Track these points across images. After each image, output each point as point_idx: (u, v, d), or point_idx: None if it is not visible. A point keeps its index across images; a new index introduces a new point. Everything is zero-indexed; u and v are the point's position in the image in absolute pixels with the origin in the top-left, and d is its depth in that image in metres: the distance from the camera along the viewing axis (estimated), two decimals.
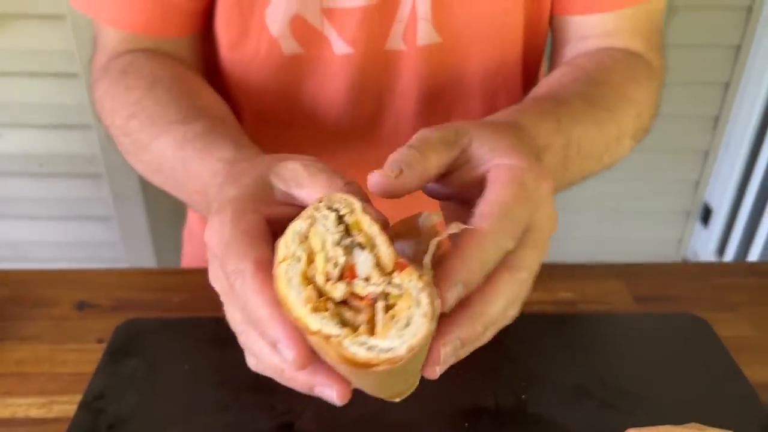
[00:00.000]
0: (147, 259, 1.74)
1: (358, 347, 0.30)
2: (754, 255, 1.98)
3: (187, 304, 0.67)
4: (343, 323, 0.31)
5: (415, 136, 0.38)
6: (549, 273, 0.66)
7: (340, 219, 0.34)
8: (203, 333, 0.63)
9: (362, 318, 0.31)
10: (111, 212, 1.67)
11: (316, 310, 0.31)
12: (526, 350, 0.61)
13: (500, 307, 0.35)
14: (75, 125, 1.56)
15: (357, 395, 0.55)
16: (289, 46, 0.62)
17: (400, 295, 0.32)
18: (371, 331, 0.31)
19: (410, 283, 0.32)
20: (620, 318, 0.65)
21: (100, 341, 0.62)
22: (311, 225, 0.33)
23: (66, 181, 1.64)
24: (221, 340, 0.62)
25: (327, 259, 0.32)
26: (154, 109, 0.55)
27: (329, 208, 0.34)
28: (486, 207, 0.35)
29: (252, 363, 0.38)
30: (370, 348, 0.30)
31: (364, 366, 0.30)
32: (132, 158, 0.58)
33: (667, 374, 0.59)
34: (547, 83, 0.57)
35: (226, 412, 0.54)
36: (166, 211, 1.67)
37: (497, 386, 0.57)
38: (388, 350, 0.30)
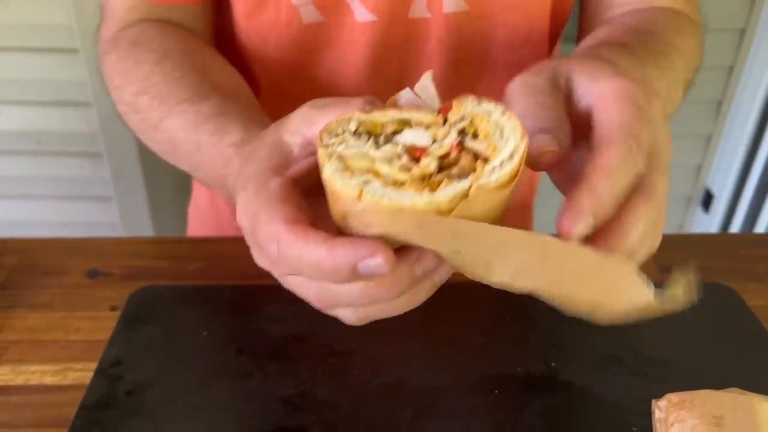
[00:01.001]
0: None
1: (495, 173, 0.30)
2: None
3: (201, 272, 0.65)
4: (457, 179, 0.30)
5: (522, 93, 0.36)
6: None
7: (355, 134, 0.33)
8: (220, 301, 0.61)
9: (469, 162, 0.31)
10: (111, 192, 1.65)
11: (432, 188, 0.30)
12: (554, 319, 0.58)
13: (637, 238, 0.33)
14: (74, 102, 1.53)
15: (380, 363, 0.54)
16: (309, 14, 0.60)
17: (471, 122, 0.32)
18: (484, 160, 0.31)
19: (468, 108, 0.32)
20: None
21: (113, 309, 0.60)
22: (340, 159, 0.31)
23: (65, 160, 1.61)
24: (239, 307, 0.61)
25: (388, 161, 0.31)
26: (164, 86, 0.53)
27: (336, 134, 0.32)
28: (605, 130, 0.33)
29: (347, 315, 0.35)
30: (501, 166, 0.30)
31: (511, 180, 0.30)
32: (143, 137, 0.57)
33: (698, 343, 0.57)
34: (596, 38, 0.53)
35: (249, 379, 0.53)
36: (166, 192, 1.65)
37: (526, 354, 0.56)
38: (511, 155, 0.30)
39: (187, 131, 0.49)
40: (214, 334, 0.57)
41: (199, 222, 0.85)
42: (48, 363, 0.55)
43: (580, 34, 0.67)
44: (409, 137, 0.32)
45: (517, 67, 0.65)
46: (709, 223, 2.16)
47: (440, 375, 0.54)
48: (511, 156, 0.30)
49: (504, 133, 0.31)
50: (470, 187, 0.29)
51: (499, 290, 0.40)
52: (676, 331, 0.59)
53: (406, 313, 0.61)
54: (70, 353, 0.56)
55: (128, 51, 0.58)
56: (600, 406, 0.51)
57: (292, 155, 0.35)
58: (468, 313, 0.60)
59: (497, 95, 0.68)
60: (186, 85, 0.52)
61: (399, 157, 0.31)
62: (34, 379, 0.53)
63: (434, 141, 0.32)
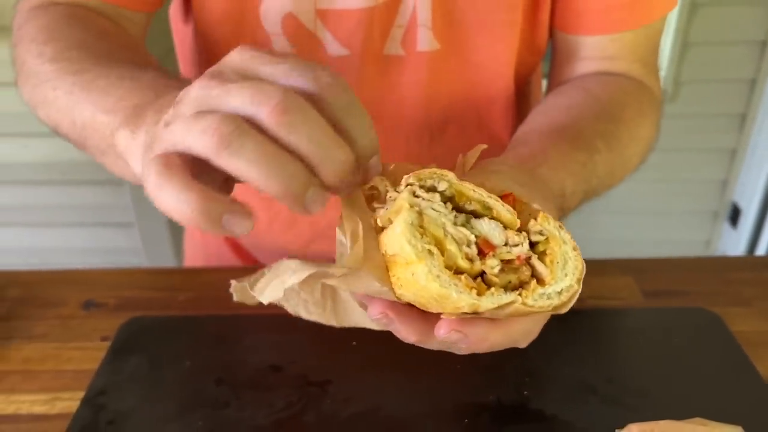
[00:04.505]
0: (168, 264, 1.76)
1: (540, 301, 0.32)
2: None
3: (191, 302, 0.67)
4: (507, 286, 0.33)
5: None
6: None
7: (441, 194, 0.34)
8: (205, 331, 0.63)
9: (526, 275, 0.33)
10: (132, 219, 1.70)
11: (480, 293, 0.32)
12: (531, 346, 0.58)
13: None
14: None
15: (355, 392, 0.55)
16: (280, 44, 0.61)
17: (546, 240, 0.34)
18: (539, 281, 0.33)
19: (548, 225, 0.34)
20: (628, 313, 0.64)
21: (104, 339, 0.62)
22: (420, 214, 0.33)
23: (87, 188, 1.67)
24: (222, 337, 0.62)
25: (458, 243, 0.32)
26: (112, 52, 0.50)
27: (424, 188, 0.34)
28: None
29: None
30: (549, 296, 0.32)
31: (551, 312, 0.33)
32: (46, 87, 0.49)
33: (676, 370, 0.57)
34: (572, 110, 0.57)
35: (225, 409, 0.54)
36: None
37: (500, 382, 0.56)
38: (561, 291, 0.33)
39: (126, 68, 0.46)
40: (196, 364, 0.59)
41: (192, 246, 0.87)
42: (38, 393, 0.57)
43: (551, 77, 0.69)
44: (485, 229, 0.33)
45: (486, 105, 0.67)
46: (737, 239, 2.11)
47: (413, 404, 0.54)
48: (561, 292, 0.32)
49: (566, 266, 0.33)
50: (512, 302, 0.32)
51: None
52: (655, 357, 0.58)
53: (385, 342, 0.62)
54: (61, 383, 0.58)
55: (67, 19, 0.54)
56: None
57: None
58: None
59: (465, 131, 0.69)
60: (138, 56, 0.51)
61: (468, 244, 0.33)
62: (24, 409, 0.56)
63: (506, 243, 0.33)
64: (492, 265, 0.32)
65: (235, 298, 0.43)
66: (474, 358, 0.59)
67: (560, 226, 0.34)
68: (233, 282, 0.43)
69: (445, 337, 0.33)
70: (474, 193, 0.34)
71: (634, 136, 0.57)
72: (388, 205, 0.34)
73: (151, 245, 1.73)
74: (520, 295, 0.32)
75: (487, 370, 0.57)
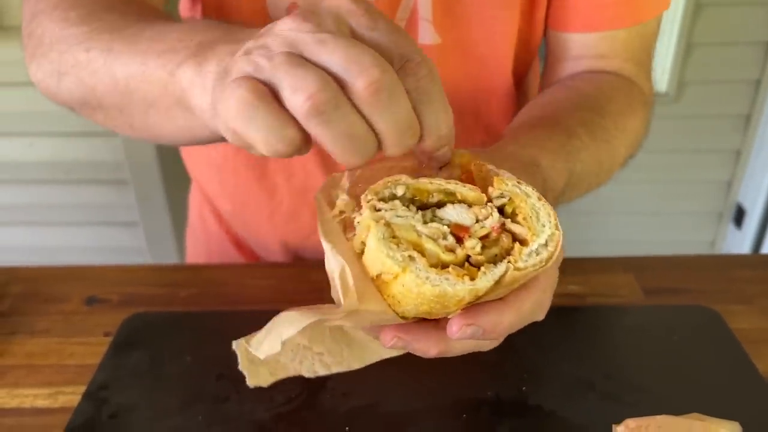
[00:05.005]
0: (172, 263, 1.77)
1: (531, 259, 0.32)
2: None
3: (193, 298, 0.67)
4: (494, 260, 0.33)
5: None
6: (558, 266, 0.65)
7: (401, 198, 0.34)
8: (206, 326, 0.63)
9: (507, 242, 0.33)
10: (136, 218, 1.70)
11: (472, 277, 0.32)
12: (531, 343, 0.60)
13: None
14: (100, 133, 1.59)
15: (353, 387, 0.55)
16: None
17: (511, 200, 0.34)
18: (521, 242, 0.33)
19: (508, 187, 0.34)
20: (628, 310, 0.64)
21: (106, 334, 0.63)
22: (388, 226, 0.33)
23: (92, 187, 1.67)
24: (223, 333, 0.62)
25: (433, 239, 0.32)
26: (157, 13, 0.48)
27: (384, 199, 0.34)
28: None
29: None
30: (537, 251, 0.33)
31: (544, 265, 0.33)
32: (79, 48, 0.46)
33: (675, 367, 0.57)
34: (552, 104, 0.57)
35: (225, 403, 0.55)
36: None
37: (499, 378, 0.56)
38: (546, 242, 0.33)
39: (173, 21, 0.44)
40: (197, 359, 0.59)
41: (193, 242, 0.87)
42: (41, 387, 0.58)
43: (544, 78, 0.69)
44: (453, 215, 0.34)
45: (484, 97, 0.67)
46: (741, 239, 2.11)
47: (412, 399, 0.55)
48: (546, 243, 0.33)
49: (539, 218, 0.33)
50: (506, 272, 0.32)
51: None
52: (654, 354, 0.58)
53: None
54: (63, 377, 0.59)
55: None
56: (565, 428, 0.51)
57: None
58: None
59: (463, 123, 0.70)
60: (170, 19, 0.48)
61: (444, 236, 0.33)
62: (27, 402, 0.56)
63: (477, 220, 0.33)
64: (472, 246, 0.32)
65: (240, 361, 0.43)
66: (473, 353, 0.60)
67: (518, 182, 0.34)
68: (235, 343, 0.42)
69: (459, 334, 0.33)
70: (432, 185, 0.34)
71: (620, 128, 0.57)
72: (357, 229, 0.34)
73: (155, 244, 1.74)
74: (510, 262, 0.32)
75: (487, 366, 0.58)
